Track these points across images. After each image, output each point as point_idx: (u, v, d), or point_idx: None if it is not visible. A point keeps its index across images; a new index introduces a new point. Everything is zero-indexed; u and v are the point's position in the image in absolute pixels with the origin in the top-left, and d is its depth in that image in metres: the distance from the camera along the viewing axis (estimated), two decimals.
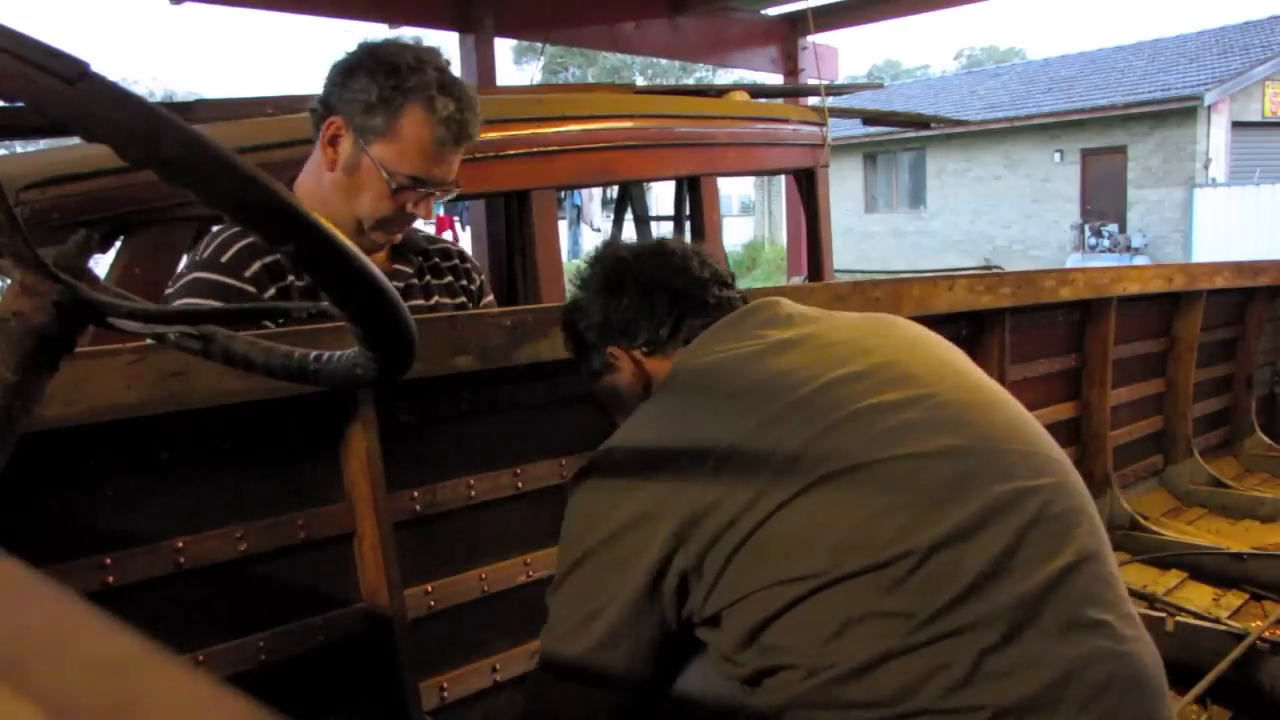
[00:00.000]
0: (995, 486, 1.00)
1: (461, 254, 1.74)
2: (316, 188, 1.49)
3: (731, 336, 1.16)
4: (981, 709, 0.91)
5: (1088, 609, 0.97)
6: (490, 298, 1.79)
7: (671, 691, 1.15)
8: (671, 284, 1.23)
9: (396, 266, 1.59)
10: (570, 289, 1.33)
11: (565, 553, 1.12)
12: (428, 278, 1.64)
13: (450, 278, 1.67)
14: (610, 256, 1.30)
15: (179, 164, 0.55)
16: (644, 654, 1.07)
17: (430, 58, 1.43)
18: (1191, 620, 1.93)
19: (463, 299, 1.68)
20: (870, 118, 4.96)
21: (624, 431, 1.15)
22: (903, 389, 1.07)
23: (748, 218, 30.17)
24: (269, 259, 1.41)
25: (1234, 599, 2.13)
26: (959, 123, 12.31)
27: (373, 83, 1.40)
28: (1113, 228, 17.63)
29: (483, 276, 1.77)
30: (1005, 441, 1.06)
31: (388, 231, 1.50)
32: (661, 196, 11.69)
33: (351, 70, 1.42)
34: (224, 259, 1.41)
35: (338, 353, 0.76)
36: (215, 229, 1.50)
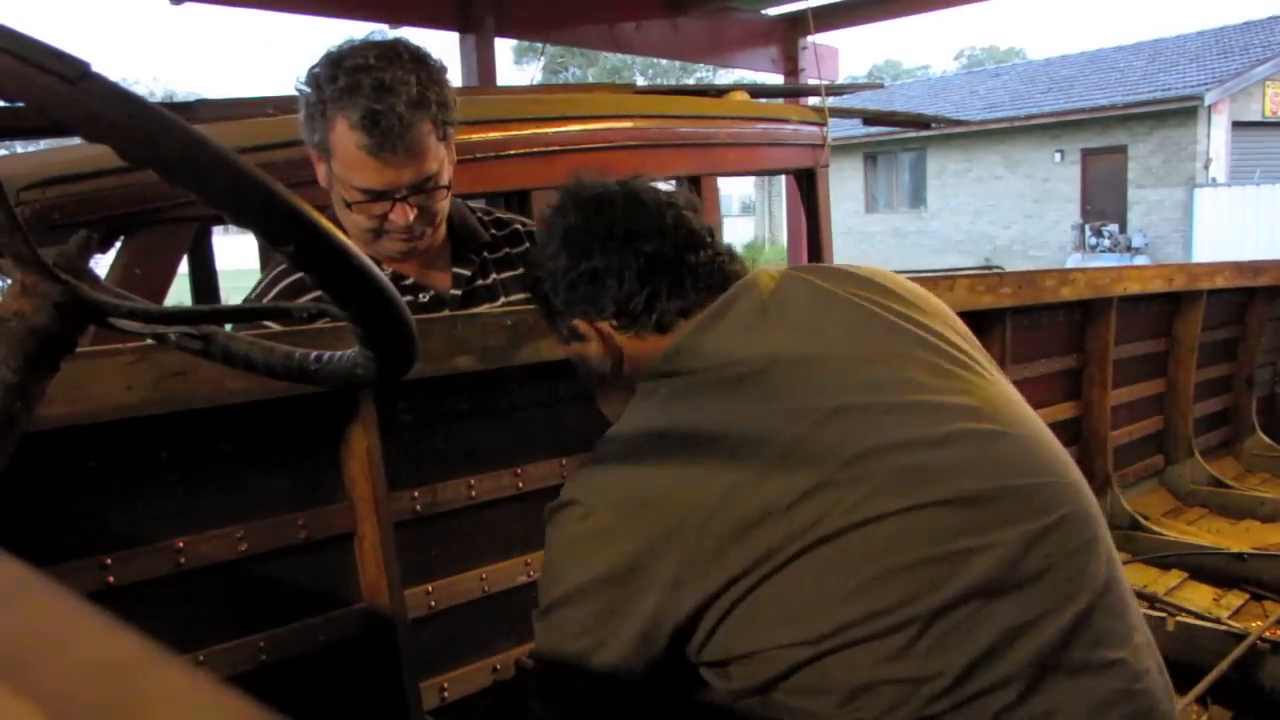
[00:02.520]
0: (1008, 531, 0.93)
1: (530, 234, 1.63)
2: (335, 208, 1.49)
3: (712, 343, 1.04)
4: None
5: (1101, 651, 0.93)
6: None
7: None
8: (642, 247, 1.08)
9: (456, 270, 1.54)
10: (536, 232, 1.20)
11: (553, 585, 1.02)
12: (493, 275, 1.57)
13: (522, 267, 1.58)
14: (576, 204, 1.14)
15: (180, 164, 0.55)
16: (638, 686, 1.00)
17: (351, 59, 1.34)
18: (1192, 620, 1.92)
19: None
20: (870, 118, 4.96)
21: (607, 463, 1.03)
22: (908, 415, 0.98)
23: (748, 218, 30.17)
24: (315, 292, 1.39)
25: (1234, 599, 2.13)
26: (959, 123, 12.32)
27: (306, 98, 1.37)
28: (1113, 228, 17.64)
29: None
30: (1019, 476, 0.98)
31: (393, 240, 1.44)
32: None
33: (299, 92, 1.40)
34: (267, 300, 1.43)
35: (338, 353, 0.76)
36: (266, 273, 1.50)
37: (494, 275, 1.59)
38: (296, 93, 1.41)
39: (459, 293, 1.55)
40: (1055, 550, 0.95)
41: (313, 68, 1.38)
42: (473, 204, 1.72)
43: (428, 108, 1.35)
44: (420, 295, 1.51)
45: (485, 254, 1.60)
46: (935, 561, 0.91)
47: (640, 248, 1.08)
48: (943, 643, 0.89)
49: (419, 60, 1.37)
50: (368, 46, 1.36)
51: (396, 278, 1.50)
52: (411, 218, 1.41)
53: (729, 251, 1.15)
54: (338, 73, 1.33)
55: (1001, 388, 1.09)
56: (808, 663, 0.91)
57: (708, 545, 0.93)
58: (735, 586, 0.92)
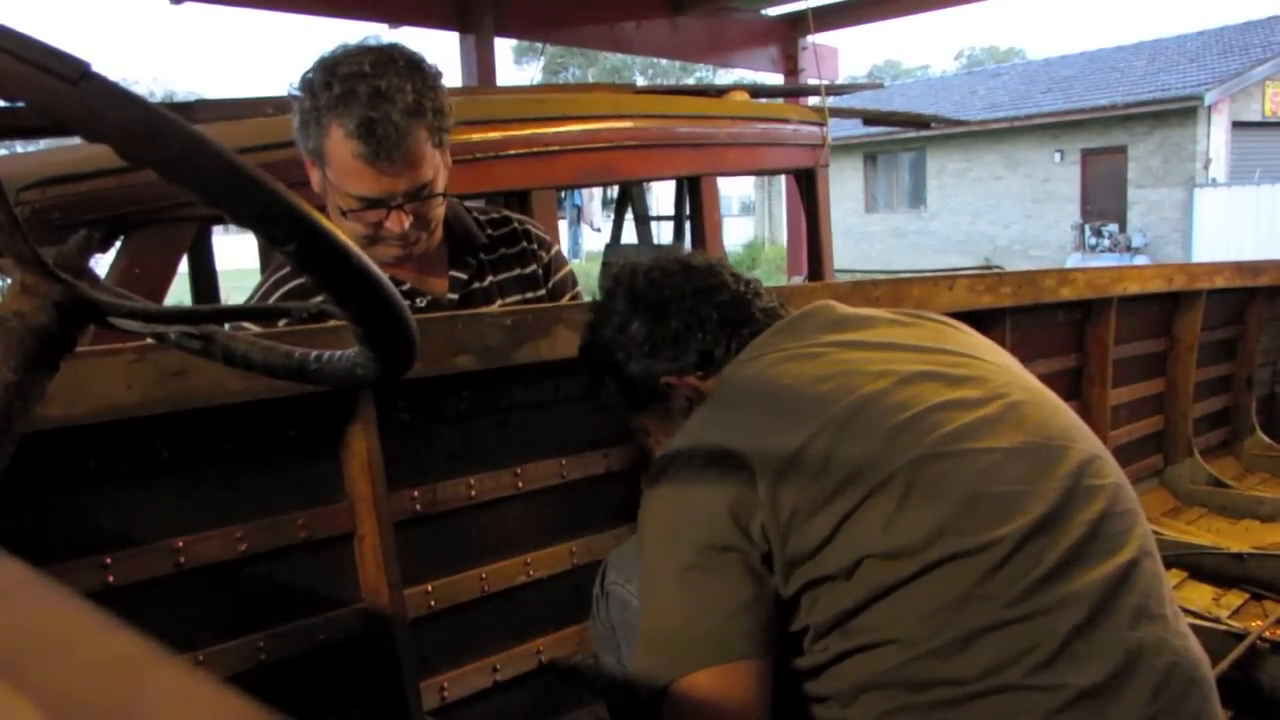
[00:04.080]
0: (1070, 482, 1.02)
1: (527, 233, 1.64)
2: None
3: (790, 338, 1.14)
4: (1065, 687, 0.92)
5: (1151, 603, 1.00)
6: (567, 269, 1.70)
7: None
8: (716, 299, 1.17)
9: (453, 274, 1.54)
10: (589, 321, 1.25)
11: (657, 569, 1.05)
12: (489, 277, 1.57)
13: (519, 268, 1.59)
14: (638, 279, 1.20)
15: (180, 164, 0.55)
16: (758, 628, 1.01)
17: (345, 65, 1.32)
18: (1191, 620, 1.92)
19: (540, 291, 1.62)
20: (870, 118, 4.96)
21: (690, 436, 1.09)
22: (973, 388, 1.08)
23: (748, 218, 30.17)
24: (318, 296, 1.39)
25: (1234, 599, 2.13)
26: (959, 123, 12.31)
27: (300, 105, 1.36)
28: (1113, 228, 17.63)
29: (555, 248, 1.68)
30: (1073, 441, 1.08)
31: (389, 246, 1.43)
32: (662, 196, 11.68)
33: (294, 97, 1.38)
34: (273, 300, 1.43)
35: (338, 352, 0.76)
36: (266, 276, 1.50)
37: (490, 277, 1.59)
38: (290, 98, 1.40)
39: (455, 296, 1.54)
40: (1105, 508, 1.03)
41: (306, 73, 1.36)
42: (470, 203, 1.72)
43: (423, 115, 1.34)
44: (417, 300, 1.51)
45: (482, 256, 1.59)
46: (1013, 493, 1.00)
47: (713, 299, 1.17)
48: (1022, 564, 0.96)
49: (414, 66, 1.36)
50: (362, 52, 1.35)
51: (394, 282, 1.50)
52: (407, 225, 1.39)
53: (784, 299, 1.26)
54: (332, 79, 1.31)
55: (1038, 386, 1.19)
56: (904, 582, 0.97)
57: (797, 481, 0.99)
58: (832, 507, 0.99)
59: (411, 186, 1.37)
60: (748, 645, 1.00)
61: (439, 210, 1.47)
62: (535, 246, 1.64)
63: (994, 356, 1.19)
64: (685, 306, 1.16)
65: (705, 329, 1.16)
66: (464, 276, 1.56)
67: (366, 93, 1.30)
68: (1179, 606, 1.07)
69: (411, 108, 1.32)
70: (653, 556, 1.06)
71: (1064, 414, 1.14)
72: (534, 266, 1.62)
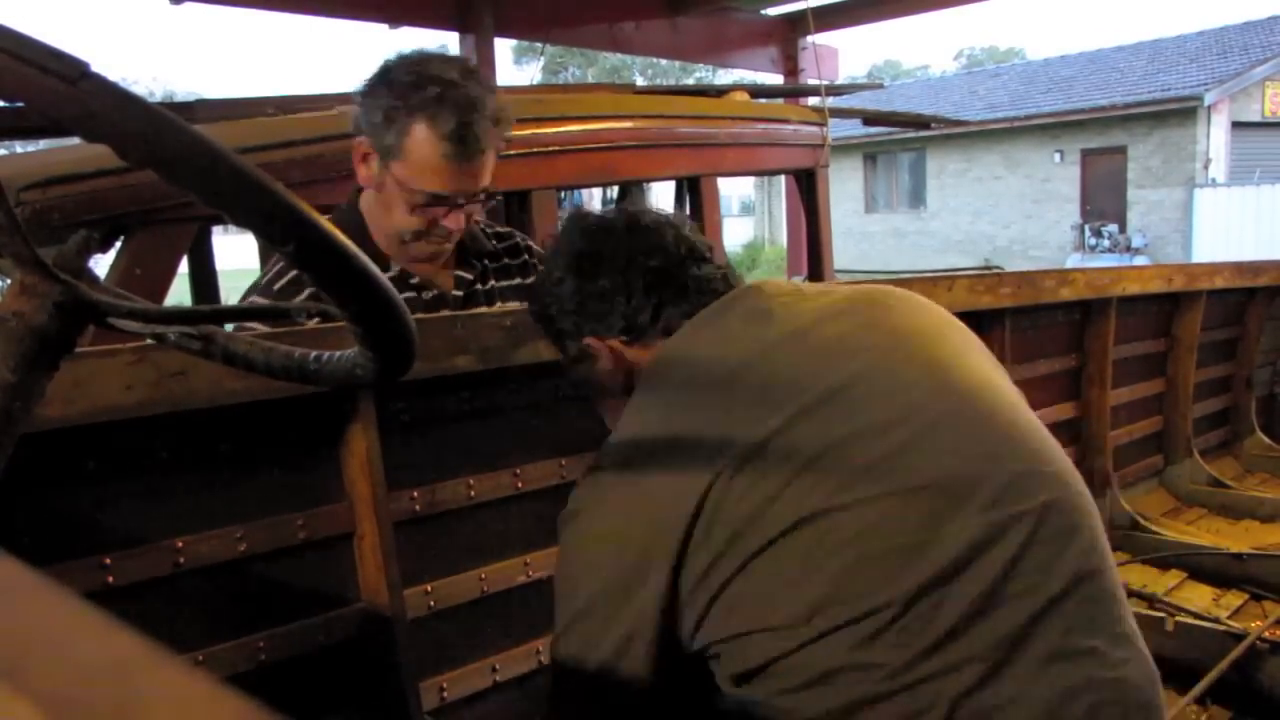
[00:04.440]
0: (981, 517, 0.94)
1: (529, 248, 1.73)
2: (367, 204, 1.54)
3: (708, 337, 1.08)
4: None
5: (1074, 638, 0.93)
6: None
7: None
8: (648, 263, 1.13)
9: (459, 273, 1.61)
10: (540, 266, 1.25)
11: (565, 611, 1.04)
12: (491, 282, 1.64)
13: (519, 277, 1.67)
14: (579, 231, 1.18)
15: (179, 164, 0.55)
16: (653, 692, 1.02)
17: (431, 70, 1.41)
18: (1191, 620, 1.92)
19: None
20: (870, 118, 4.96)
21: (607, 469, 1.07)
22: (887, 408, 1.00)
23: (748, 218, 30.17)
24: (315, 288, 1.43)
25: (1234, 599, 2.13)
26: (959, 123, 12.32)
27: (380, 102, 1.42)
28: (1113, 228, 17.63)
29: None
30: (994, 461, 1.00)
31: (429, 243, 1.50)
32: (662, 196, 11.69)
33: (369, 91, 1.45)
34: (277, 286, 1.46)
35: (338, 353, 0.76)
36: (276, 258, 1.52)
37: (492, 282, 1.64)
38: (359, 92, 1.46)
39: (460, 294, 1.59)
40: (1030, 536, 0.95)
41: (388, 73, 1.44)
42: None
43: (500, 125, 1.46)
44: (424, 293, 1.56)
45: (487, 262, 1.65)
46: (909, 547, 0.93)
47: (645, 264, 1.13)
48: (909, 627, 0.91)
49: (486, 82, 1.49)
50: (445, 61, 1.46)
51: (404, 275, 1.54)
52: (462, 223, 1.49)
53: (729, 266, 1.19)
54: (424, 81, 1.40)
55: (991, 378, 1.11)
56: (788, 653, 0.93)
57: (700, 536, 0.95)
58: (720, 567, 0.95)
59: (476, 188, 1.48)
60: (632, 688, 1.00)
61: (479, 213, 1.56)
62: (536, 261, 1.71)
63: (925, 350, 1.08)
64: (616, 267, 1.13)
65: (631, 294, 1.12)
66: (469, 277, 1.61)
67: (460, 99, 1.40)
68: (1127, 619, 1.00)
69: (493, 118, 1.44)
70: (570, 563, 1.06)
71: (994, 419, 1.04)
72: (534, 278, 1.65)
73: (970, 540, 0.93)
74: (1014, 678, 0.90)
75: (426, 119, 1.39)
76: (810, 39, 6.04)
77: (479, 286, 1.62)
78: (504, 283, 1.65)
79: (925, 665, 0.90)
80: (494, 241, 1.68)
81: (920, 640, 0.90)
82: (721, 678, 1.01)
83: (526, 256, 1.71)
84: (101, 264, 2.10)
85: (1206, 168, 16.89)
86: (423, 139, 1.40)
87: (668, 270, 1.13)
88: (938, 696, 0.89)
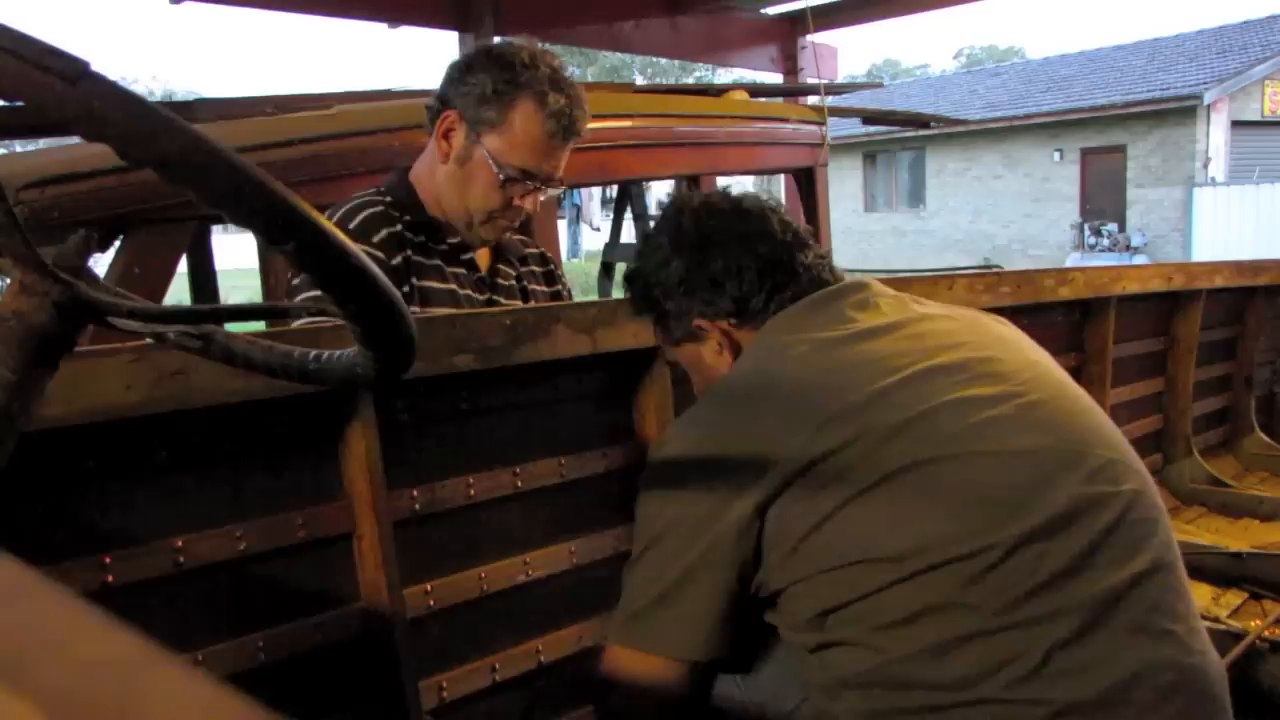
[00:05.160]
0: (1079, 488, 0.99)
1: (552, 259, 1.84)
2: (430, 181, 1.59)
3: (819, 318, 1.12)
4: (1046, 703, 0.91)
5: (1157, 617, 0.97)
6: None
7: (739, 665, 1.16)
8: (757, 248, 1.16)
9: (500, 267, 1.68)
10: (639, 245, 1.29)
11: (640, 539, 1.11)
12: (525, 280, 1.73)
13: (544, 284, 1.77)
14: (687, 213, 1.21)
15: (179, 164, 0.55)
16: (716, 634, 1.06)
17: (544, 57, 1.52)
18: None
19: (559, 290, 1.81)
20: (870, 117, 4.97)
21: (699, 421, 1.12)
22: (993, 385, 1.05)
23: None
24: (395, 227, 1.51)
25: (1233, 598, 2.13)
26: (959, 122, 12.32)
27: (488, 77, 1.49)
28: (1112, 227, 17.64)
29: (565, 279, 1.88)
30: (1090, 445, 1.05)
31: (495, 226, 1.58)
32: (661, 196, 11.68)
33: (469, 66, 1.52)
34: (352, 225, 1.49)
35: (338, 352, 0.76)
36: (346, 203, 1.57)
37: (526, 283, 1.74)
38: (455, 67, 1.55)
39: (506, 284, 1.68)
40: (1121, 515, 1.00)
41: (495, 53, 1.54)
42: None
43: (588, 123, 1.59)
44: (473, 271, 1.63)
45: (519, 264, 1.75)
46: (1015, 499, 0.97)
47: (755, 248, 1.16)
48: (1013, 572, 0.94)
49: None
50: (544, 50, 1.57)
51: (461, 248, 1.61)
52: (537, 206, 1.59)
53: (828, 254, 1.25)
54: (537, 63, 1.51)
55: (1074, 383, 1.19)
56: (884, 588, 0.96)
57: (798, 474, 1.00)
58: (820, 501, 0.99)
59: (558, 173, 1.58)
60: (701, 648, 1.06)
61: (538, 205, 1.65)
62: (560, 272, 1.84)
63: (1022, 352, 1.16)
64: (727, 251, 1.16)
65: (743, 277, 1.15)
66: (511, 273, 1.71)
67: (568, 87, 1.52)
68: (1199, 618, 1.04)
69: (588, 113, 1.57)
70: (644, 541, 1.11)
71: (1087, 415, 1.10)
72: (559, 287, 1.81)
73: (1070, 504, 0.98)
74: (1104, 640, 0.94)
75: (537, 97, 1.49)
76: (810, 38, 6.03)
77: (515, 284, 1.71)
78: (534, 286, 1.75)
79: (1026, 609, 0.93)
80: (522, 248, 1.77)
81: (1021, 586, 0.94)
82: (799, 619, 1.03)
83: (551, 266, 1.81)
84: (101, 263, 2.10)
85: (1206, 167, 16.89)
86: (530, 114, 1.49)
87: (777, 257, 1.16)
88: (1036, 641, 0.92)
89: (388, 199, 1.56)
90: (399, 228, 1.52)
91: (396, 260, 1.50)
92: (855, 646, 0.98)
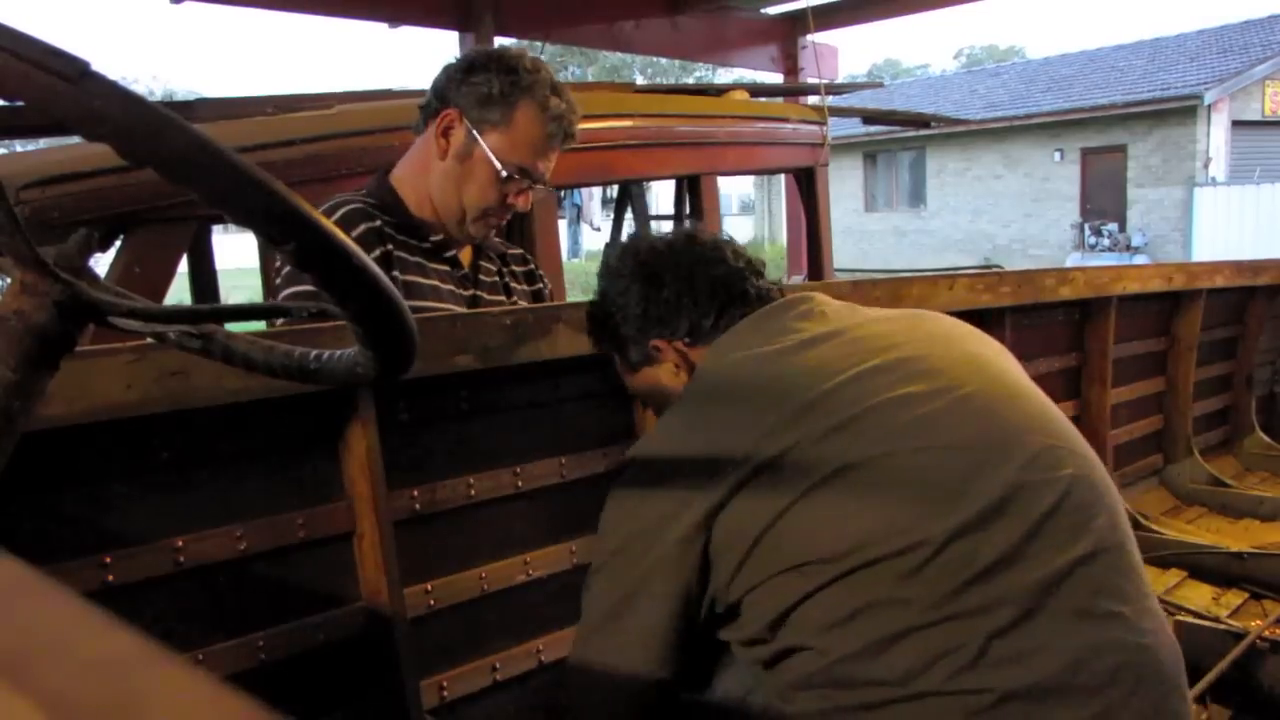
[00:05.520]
0: (1013, 477, 1.01)
1: (532, 259, 1.89)
2: (417, 180, 1.62)
3: (764, 331, 1.17)
4: (988, 691, 0.92)
5: (1101, 600, 0.98)
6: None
7: (694, 679, 1.18)
8: (711, 272, 1.23)
9: (482, 263, 1.72)
10: (598, 282, 1.35)
11: (596, 554, 1.16)
12: (507, 279, 1.77)
13: (525, 283, 1.81)
14: (643, 247, 1.29)
15: (179, 163, 0.55)
16: (671, 643, 1.10)
17: (544, 64, 1.60)
18: (1191, 619, 1.92)
19: (540, 289, 1.85)
20: (870, 117, 4.96)
21: (653, 437, 1.18)
22: (927, 381, 1.08)
23: (747, 217, 30.18)
24: (374, 223, 1.54)
25: (1234, 598, 2.13)
26: (959, 122, 12.34)
27: (493, 78, 1.55)
28: (1112, 227, 17.63)
29: (547, 280, 1.92)
30: (1025, 434, 1.07)
31: (486, 223, 1.62)
32: (661, 196, 11.68)
33: (472, 67, 1.57)
34: (333, 219, 1.51)
35: (338, 352, 0.76)
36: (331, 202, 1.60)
37: (509, 280, 1.77)
38: (456, 69, 1.59)
39: (489, 280, 1.72)
40: (1058, 500, 1.01)
41: (499, 55, 1.59)
42: None
43: (579, 119, 1.65)
44: (455, 270, 1.66)
45: (500, 262, 1.78)
46: (948, 492, 0.99)
47: (707, 272, 1.23)
48: (948, 565, 0.96)
49: None
50: (541, 59, 1.63)
51: (445, 245, 1.64)
52: (529, 204, 1.64)
53: (780, 282, 1.32)
54: (540, 69, 1.58)
55: (1019, 372, 1.21)
56: (824, 586, 0.98)
57: (741, 483, 1.03)
58: (760, 513, 1.02)
59: (548, 173, 1.63)
60: (661, 664, 1.09)
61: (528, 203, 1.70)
62: (540, 271, 1.87)
63: (958, 346, 1.18)
64: (681, 276, 1.23)
65: (697, 298, 1.22)
66: (493, 269, 1.74)
67: (562, 88, 1.60)
68: (1152, 598, 1.05)
69: (578, 110, 1.63)
70: (602, 556, 1.15)
71: (1024, 401, 1.12)
72: (539, 286, 1.84)
73: (1005, 492, 0.99)
74: (1044, 626, 0.95)
75: (540, 101, 1.56)
76: (810, 38, 6.03)
77: (498, 280, 1.74)
78: (515, 284, 1.78)
79: (962, 601, 0.95)
80: (503, 248, 1.80)
81: (957, 578, 0.95)
82: (754, 629, 1.06)
83: (532, 266, 1.85)
84: (101, 263, 2.10)
85: (1206, 167, 16.89)
86: (533, 116, 1.56)
87: (729, 279, 1.23)
88: (973, 633, 0.94)
89: (369, 200, 1.58)
90: (378, 223, 1.54)
91: (375, 255, 1.51)
92: (803, 651, 1.01)
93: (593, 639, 1.14)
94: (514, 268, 1.80)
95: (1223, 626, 1.87)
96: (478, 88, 1.55)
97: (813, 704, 1.00)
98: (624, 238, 5.14)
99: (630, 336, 1.26)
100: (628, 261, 1.28)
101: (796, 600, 1.00)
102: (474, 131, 1.56)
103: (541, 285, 1.84)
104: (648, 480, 1.13)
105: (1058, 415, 1.15)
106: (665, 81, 22.90)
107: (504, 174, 1.56)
